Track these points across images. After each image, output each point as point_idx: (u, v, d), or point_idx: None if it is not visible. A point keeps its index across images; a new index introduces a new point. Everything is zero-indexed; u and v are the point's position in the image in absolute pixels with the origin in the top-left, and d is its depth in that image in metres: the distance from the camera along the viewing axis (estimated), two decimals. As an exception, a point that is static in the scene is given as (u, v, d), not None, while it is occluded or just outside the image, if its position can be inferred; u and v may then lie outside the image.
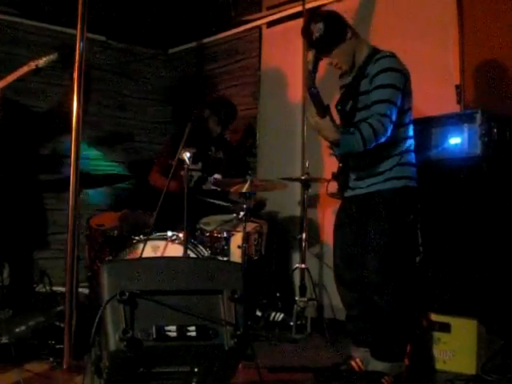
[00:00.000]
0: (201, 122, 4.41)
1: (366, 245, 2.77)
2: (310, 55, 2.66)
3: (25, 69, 3.73)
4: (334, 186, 2.99)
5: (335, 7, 3.88)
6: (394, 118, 2.65)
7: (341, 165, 2.90)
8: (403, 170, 2.76)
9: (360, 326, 2.88)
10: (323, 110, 2.64)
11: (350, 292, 2.90)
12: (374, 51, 2.80)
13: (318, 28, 2.73)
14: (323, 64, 2.79)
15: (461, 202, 3.02)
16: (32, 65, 3.69)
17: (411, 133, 2.82)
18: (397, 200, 2.75)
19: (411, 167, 2.80)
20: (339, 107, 2.89)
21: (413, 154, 2.83)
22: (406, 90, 2.73)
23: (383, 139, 2.64)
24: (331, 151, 2.80)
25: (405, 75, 2.73)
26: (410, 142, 2.81)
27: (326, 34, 2.73)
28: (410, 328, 2.85)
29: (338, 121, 2.82)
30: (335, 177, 2.94)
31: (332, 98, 2.87)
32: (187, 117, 4.97)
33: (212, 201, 4.10)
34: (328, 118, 2.64)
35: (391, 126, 2.64)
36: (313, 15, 2.88)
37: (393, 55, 2.73)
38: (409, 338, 2.86)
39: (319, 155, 4.30)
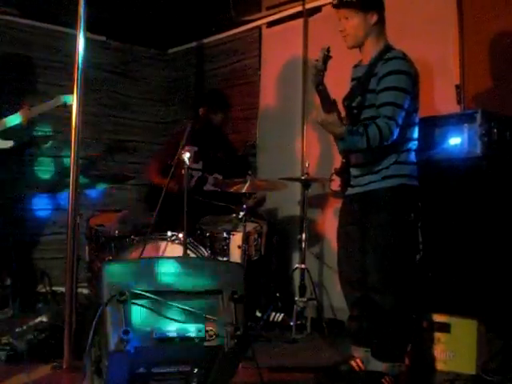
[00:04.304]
0: (200, 121, 4.41)
1: (367, 244, 2.75)
2: (321, 53, 2.53)
3: (53, 103, 3.81)
4: (336, 184, 2.96)
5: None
6: (400, 121, 2.63)
7: (344, 161, 2.87)
8: (400, 168, 2.73)
9: (361, 325, 2.86)
10: (329, 106, 2.59)
11: (355, 292, 2.88)
12: (387, 48, 2.76)
13: None
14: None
15: (460, 202, 3.01)
16: (61, 100, 3.75)
17: (415, 135, 2.78)
18: (394, 199, 2.72)
19: (410, 165, 2.77)
20: (346, 103, 2.86)
21: (413, 153, 2.80)
22: (413, 92, 2.70)
23: (387, 143, 2.62)
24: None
25: (413, 78, 2.70)
26: (412, 143, 2.78)
27: None
28: (411, 328, 2.84)
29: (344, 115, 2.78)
30: (338, 173, 2.91)
31: (336, 93, 2.78)
32: (188, 116, 4.99)
33: (211, 201, 4.11)
34: (334, 113, 2.60)
35: (397, 130, 2.63)
36: None
37: (403, 57, 2.70)
38: (409, 338, 2.85)
39: (319, 155, 4.31)
